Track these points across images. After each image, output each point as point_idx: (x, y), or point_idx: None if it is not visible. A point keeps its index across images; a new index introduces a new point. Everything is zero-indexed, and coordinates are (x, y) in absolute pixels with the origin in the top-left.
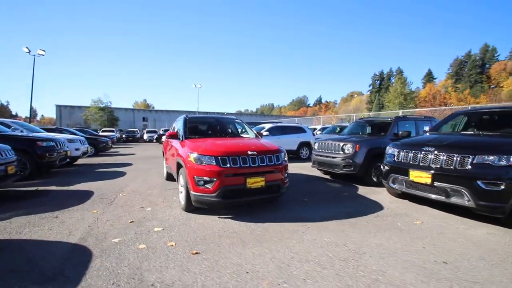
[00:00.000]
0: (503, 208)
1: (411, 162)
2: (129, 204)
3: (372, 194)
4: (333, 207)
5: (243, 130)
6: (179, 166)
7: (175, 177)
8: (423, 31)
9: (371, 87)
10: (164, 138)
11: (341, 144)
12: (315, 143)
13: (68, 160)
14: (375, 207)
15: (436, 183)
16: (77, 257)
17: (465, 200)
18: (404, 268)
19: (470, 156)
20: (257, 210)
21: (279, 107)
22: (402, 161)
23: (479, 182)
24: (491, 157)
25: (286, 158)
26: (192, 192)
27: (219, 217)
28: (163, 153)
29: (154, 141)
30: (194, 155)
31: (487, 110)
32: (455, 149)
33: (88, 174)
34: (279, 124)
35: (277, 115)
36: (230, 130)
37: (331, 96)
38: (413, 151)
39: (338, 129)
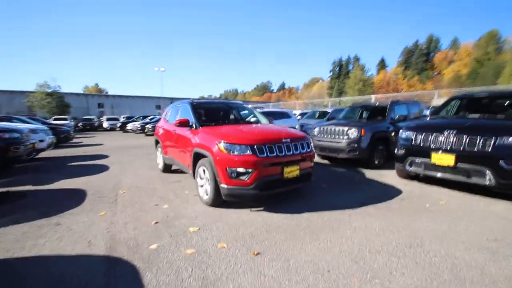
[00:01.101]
0: None
1: (432, 145)
2: (138, 202)
3: (380, 177)
4: (355, 192)
5: (254, 115)
6: (198, 157)
7: (186, 170)
8: (378, 21)
9: (331, 73)
10: (144, 125)
11: (345, 128)
12: (315, 128)
13: (34, 153)
14: (394, 190)
15: (459, 165)
16: (120, 273)
17: (487, 179)
18: (467, 249)
19: (492, 138)
20: (285, 200)
21: (243, 93)
22: (422, 144)
23: (501, 162)
24: (510, 138)
25: (312, 145)
26: (223, 185)
27: (251, 211)
28: (156, 142)
29: (118, 129)
30: (224, 145)
31: (483, 95)
32: (477, 132)
33: (63, 170)
34: (265, 109)
35: (242, 100)
36: (242, 116)
37: (294, 81)
38: (434, 134)
39: (317, 114)
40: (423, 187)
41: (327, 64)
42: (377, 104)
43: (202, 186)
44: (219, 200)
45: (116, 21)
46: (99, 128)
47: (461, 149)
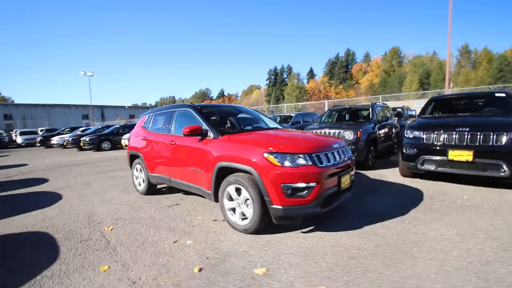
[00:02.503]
0: None
1: (447, 143)
2: (145, 240)
3: (384, 177)
4: (380, 196)
5: (264, 120)
6: (224, 173)
7: (198, 191)
8: (306, 34)
9: (268, 81)
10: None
11: (341, 131)
12: None
13: None
14: (412, 189)
15: (476, 160)
16: None
17: (501, 171)
18: None
19: (504, 133)
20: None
21: (181, 100)
22: (435, 142)
23: None
24: None
25: None
26: (276, 206)
27: (302, 232)
28: (133, 158)
29: (38, 144)
30: (275, 155)
31: (463, 95)
32: (489, 128)
33: None
34: None
35: None
36: (254, 121)
37: (233, 89)
38: (447, 133)
39: (279, 119)
40: (434, 184)
41: (263, 72)
42: (353, 107)
43: (233, 209)
44: (263, 224)
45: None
46: (10, 144)
47: (477, 145)
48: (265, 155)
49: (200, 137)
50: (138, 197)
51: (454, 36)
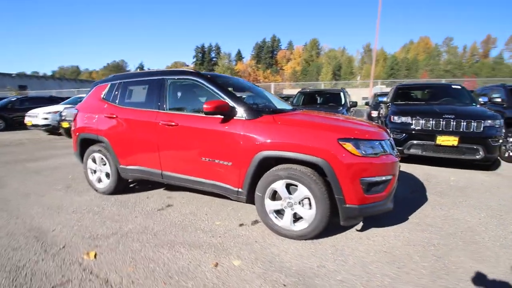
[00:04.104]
0: (495, 157)
1: (435, 128)
2: (171, 271)
3: None
4: None
5: (270, 100)
6: (267, 165)
7: (219, 190)
8: (235, 16)
9: (195, 59)
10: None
11: None
12: None
13: None
14: (406, 175)
15: (460, 145)
16: None
17: (477, 155)
18: None
19: (482, 121)
20: None
21: (89, 71)
22: (424, 128)
23: (489, 140)
24: (489, 121)
25: None
26: (351, 206)
27: (357, 231)
28: (85, 144)
29: None
30: (352, 142)
31: (425, 85)
32: (470, 117)
33: None
34: None
35: (88, 80)
36: (270, 100)
37: (154, 63)
38: (434, 119)
39: None
40: (414, 167)
41: (189, 49)
42: (323, 91)
43: (277, 211)
44: (321, 228)
45: None
46: None
47: (461, 131)
48: (341, 142)
49: (223, 116)
50: (101, 199)
51: (361, 36)
